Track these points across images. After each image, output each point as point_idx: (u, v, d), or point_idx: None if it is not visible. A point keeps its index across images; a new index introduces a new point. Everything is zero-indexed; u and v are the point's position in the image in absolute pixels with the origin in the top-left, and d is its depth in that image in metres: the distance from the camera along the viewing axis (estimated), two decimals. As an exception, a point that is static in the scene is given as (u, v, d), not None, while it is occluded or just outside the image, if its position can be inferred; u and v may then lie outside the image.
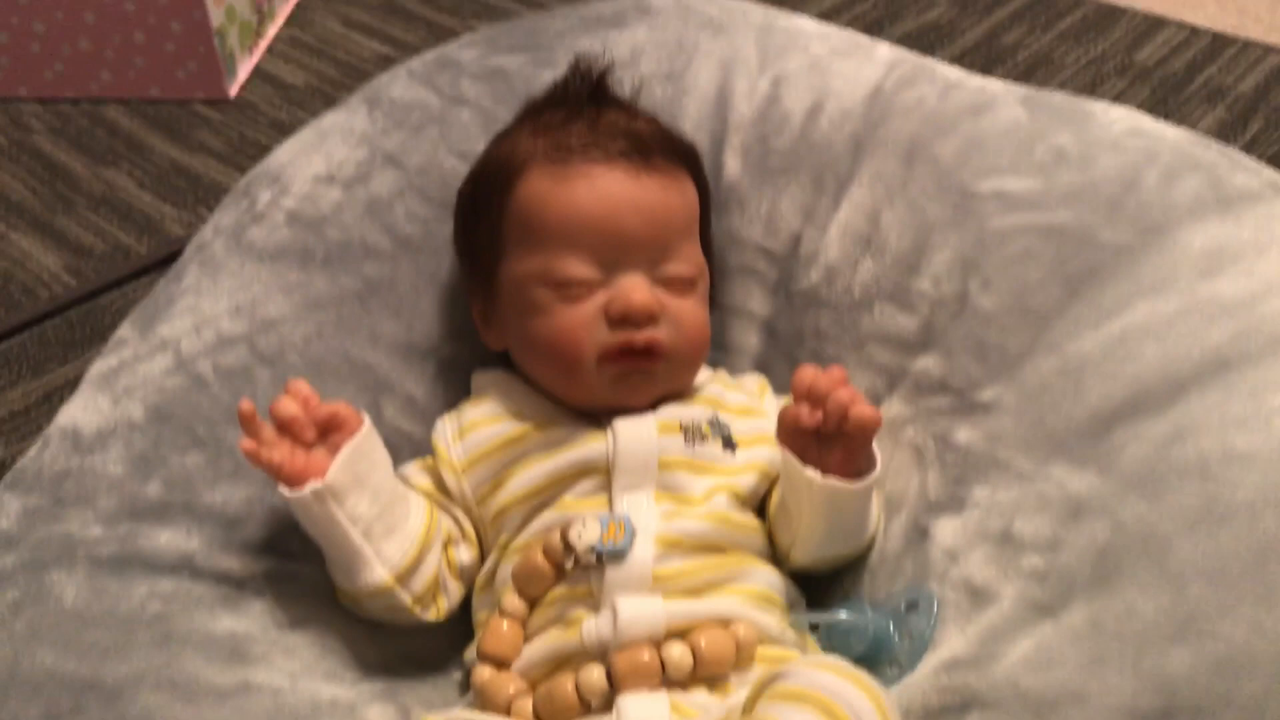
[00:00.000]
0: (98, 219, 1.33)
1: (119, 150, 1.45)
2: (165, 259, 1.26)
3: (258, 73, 1.60)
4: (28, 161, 1.44)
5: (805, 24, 0.94)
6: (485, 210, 0.74)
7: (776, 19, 0.94)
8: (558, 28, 0.93)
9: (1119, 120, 0.82)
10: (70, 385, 1.12)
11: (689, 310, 0.72)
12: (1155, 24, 1.67)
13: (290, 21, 1.71)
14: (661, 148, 0.73)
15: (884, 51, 0.91)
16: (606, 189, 0.70)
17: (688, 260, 0.72)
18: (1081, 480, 0.66)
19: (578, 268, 0.70)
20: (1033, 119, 0.83)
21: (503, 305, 0.74)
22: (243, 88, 1.56)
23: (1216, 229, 0.73)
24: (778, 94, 0.89)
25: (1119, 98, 1.51)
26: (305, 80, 1.58)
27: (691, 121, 0.88)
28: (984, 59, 1.60)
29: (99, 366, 0.79)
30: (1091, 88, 1.54)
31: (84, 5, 1.46)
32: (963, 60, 1.60)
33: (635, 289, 0.69)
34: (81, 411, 0.76)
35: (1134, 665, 0.58)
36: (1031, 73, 1.57)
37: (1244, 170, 0.77)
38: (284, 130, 1.48)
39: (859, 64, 0.90)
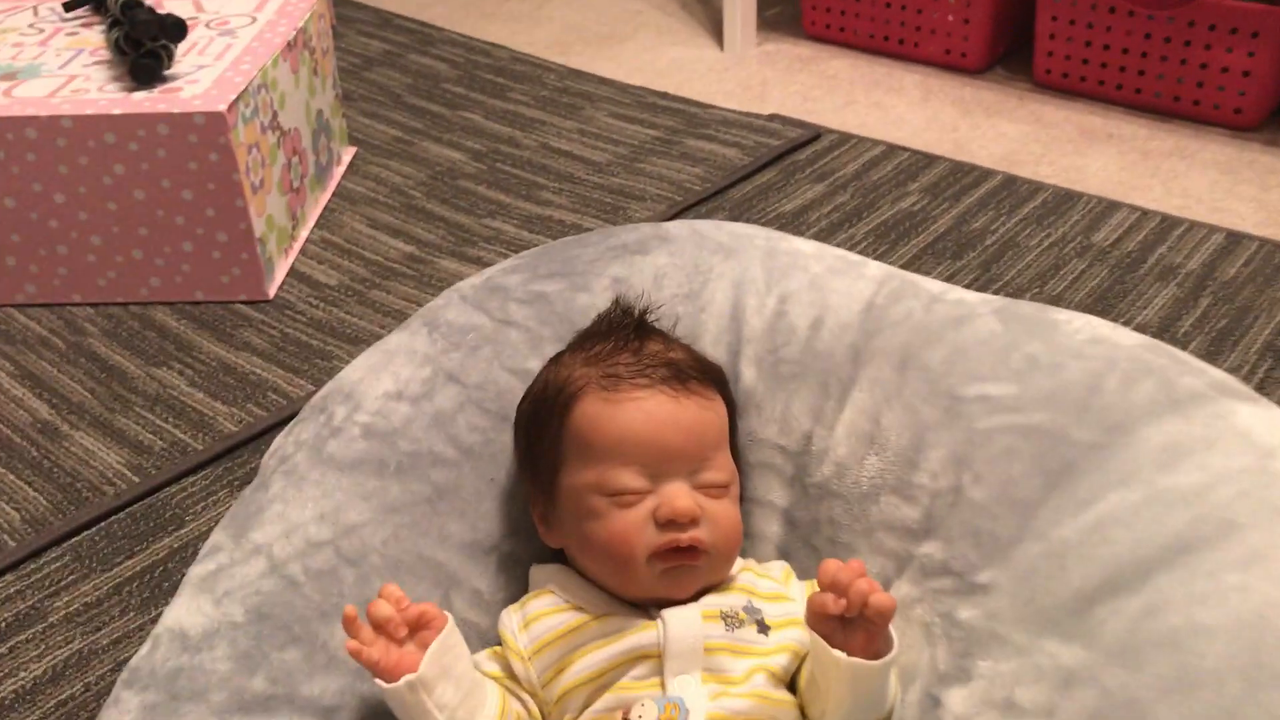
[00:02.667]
0: (154, 417, 1.45)
1: (169, 351, 1.57)
2: (220, 454, 1.37)
3: (293, 273, 1.74)
4: (85, 364, 1.55)
5: (803, 245, 1.08)
6: (545, 428, 0.86)
7: (778, 243, 1.08)
8: (589, 255, 1.07)
9: (1081, 329, 0.95)
10: (138, 577, 1.22)
11: (724, 512, 0.83)
12: (1109, 207, 1.83)
13: (319, 224, 1.86)
14: (696, 372, 0.86)
15: (873, 269, 1.05)
16: (652, 411, 0.83)
17: (721, 469, 0.84)
18: (1070, 653, 0.76)
19: (629, 479, 0.81)
20: (1006, 329, 0.96)
21: (561, 510, 0.85)
22: (281, 288, 1.70)
23: (1170, 427, 0.85)
24: (784, 309, 1.02)
25: (1080, 277, 1.66)
26: (338, 280, 1.72)
27: (711, 335, 1.01)
28: (955, 244, 1.75)
29: (198, 570, 0.89)
30: (1055, 269, 1.68)
31: (139, 220, 1.60)
32: (936, 245, 1.75)
33: (679, 496, 0.81)
34: (186, 613, 0.86)
35: (1126, 818, 0.68)
36: (999, 256, 1.72)
37: (1190, 373, 0.90)
38: (321, 328, 1.61)
39: (852, 281, 1.03)
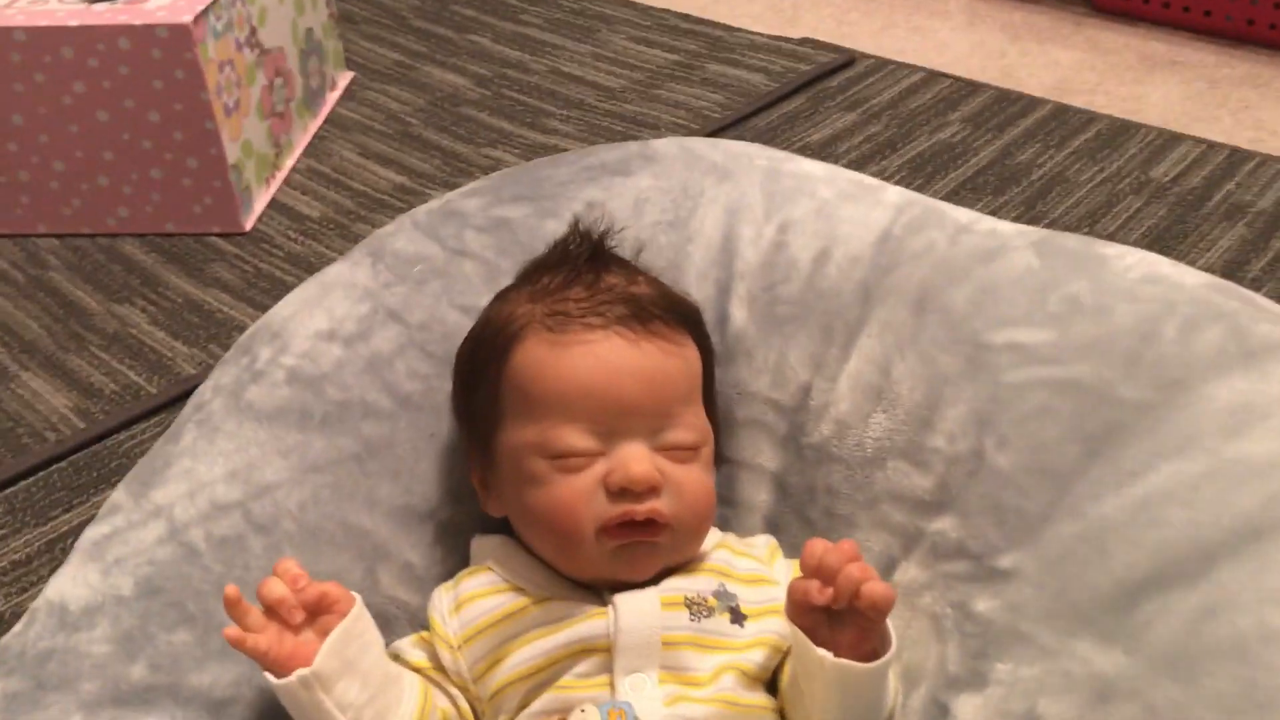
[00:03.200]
0: (109, 358, 1.33)
1: (133, 286, 1.45)
2: (175, 399, 1.25)
3: (274, 204, 1.61)
4: (43, 299, 1.44)
5: (812, 167, 0.93)
6: (482, 376, 0.72)
7: (782, 163, 0.93)
8: (562, 176, 0.92)
9: (1134, 266, 0.80)
10: (74, 533, 1.11)
11: (692, 479, 0.69)
12: (1170, 140, 1.66)
13: (308, 153, 1.73)
14: (662, 311, 0.71)
15: (892, 195, 0.90)
16: (604, 356, 0.68)
17: (690, 427, 0.70)
18: (1108, 659, 0.62)
19: (575, 438, 0.67)
20: (1045, 265, 0.81)
21: (501, 473, 0.72)
22: (259, 220, 1.57)
23: (1241, 384, 0.70)
24: (784, 240, 0.87)
25: (1136, 215, 1.49)
26: (321, 212, 1.59)
27: (697, 270, 0.87)
28: (998, 178, 1.59)
29: (91, 533, 0.77)
30: (1107, 206, 1.52)
31: (103, 143, 1.48)
32: (976, 179, 1.59)
33: (635, 460, 0.67)
34: (70, 584, 0.73)
35: None
36: (1046, 192, 1.56)
37: (1268, 319, 0.74)
38: (298, 263, 1.48)
39: (867, 208, 0.89)
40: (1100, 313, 0.76)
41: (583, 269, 0.72)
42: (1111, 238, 1.44)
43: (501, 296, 0.76)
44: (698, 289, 0.85)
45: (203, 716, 0.68)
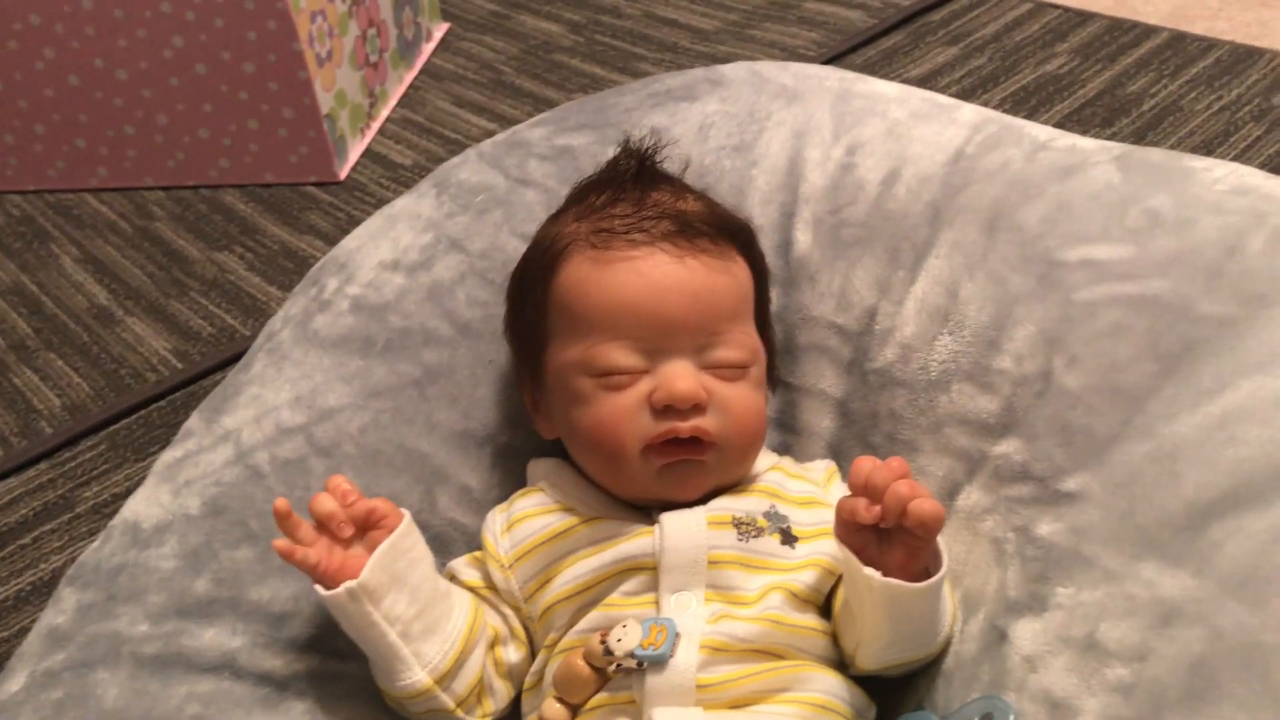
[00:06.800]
0: (207, 302, 1.37)
1: (232, 234, 1.50)
2: (267, 341, 1.29)
3: (368, 154, 1.63)
4: (149, 247, 1.49)
5: (884, 88, 0.90)
6: (530, 296, 0.72)
7: (854, 84, 0.90)
8: (626, 104, 0.91)
9: (1222, 178, 0.75)
10: (170, 468, 1.15)
11: (740, 397, 0.68)
12: (1298, 65, 1.56)
13: (402, 103, 1.75)
14: (709, 227, 0.69)
15: (968, 113, 0.86)
16: (648, 273, 0.67)
17: (738, 345, 0.69)
18: (1175, 581, 0.59)
19: (619, 355, 0.66)
20: (1126, 180, 0.77)
21: (549, 394, 0.71)
22: (353, 169, 1.60)
23: (1332, 297, 0.65)
24: (852, 162, 0.85)
25: (1255, 144, 1.41)
26: (413, 160, 1.61)
27: (761, 194, 0.85)
28: (1106, 110, 1.52)
29: (166, 457, 0.80)
30: (1224, 135, 1.44)
31: (203, 96, 1.52)
32: (1083, 111, 1.53)
33: (679, 377, 0.65)
34: (144, 504, 0.76)
35: (1232, 798, 0.51)
36: (1158, 122, 1.48)
37: (1366, 230, 0.69)
38: (389, 210, 1.50)
39: (940, 127, 0.85)
40: (1182, 226, 0.72)
41: (629, 186, 0.71)
42: (1225, 166, 1.37)
43: (551, 218, 0.76)
44: (761, 214, 0.84)
45: (261, 628, 0.69)
